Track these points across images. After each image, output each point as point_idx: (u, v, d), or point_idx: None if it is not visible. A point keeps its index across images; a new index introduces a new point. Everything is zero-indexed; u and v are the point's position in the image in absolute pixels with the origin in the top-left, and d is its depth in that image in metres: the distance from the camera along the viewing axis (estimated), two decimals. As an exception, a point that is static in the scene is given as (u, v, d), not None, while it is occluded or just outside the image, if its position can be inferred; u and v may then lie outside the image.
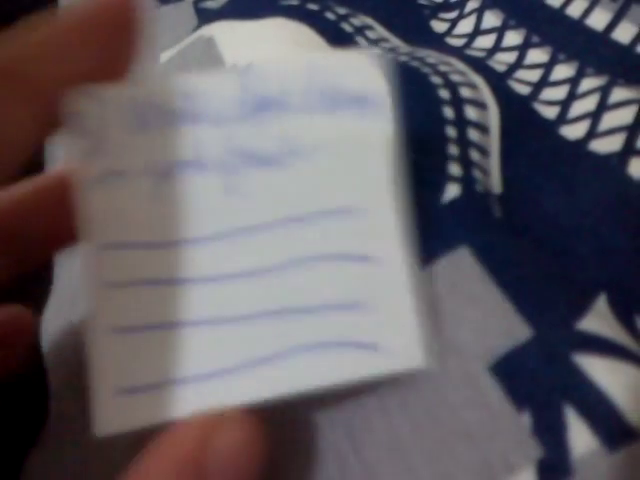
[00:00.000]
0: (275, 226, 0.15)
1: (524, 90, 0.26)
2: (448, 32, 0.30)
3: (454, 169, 0.21)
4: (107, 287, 0.15)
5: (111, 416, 0.14)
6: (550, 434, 0.16)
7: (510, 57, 0.28)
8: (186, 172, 0.15)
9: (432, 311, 0.18)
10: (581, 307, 0.17)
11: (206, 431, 0.14)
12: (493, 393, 0.17)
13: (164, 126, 0.15)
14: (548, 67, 0.26)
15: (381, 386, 0.18)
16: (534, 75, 0.26)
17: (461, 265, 0.18)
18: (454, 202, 0.20)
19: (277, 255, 0.15)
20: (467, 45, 0.29)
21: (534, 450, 0.16)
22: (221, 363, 0.15)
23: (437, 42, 0.30)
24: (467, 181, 0.20)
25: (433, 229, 0.19)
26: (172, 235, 0.15)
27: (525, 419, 0.16)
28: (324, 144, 0.15)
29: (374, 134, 0.15)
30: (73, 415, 0.20)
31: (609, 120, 0.23)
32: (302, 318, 0.15)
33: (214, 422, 0.14)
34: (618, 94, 0.23)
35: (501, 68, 0.27)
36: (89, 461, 0.19)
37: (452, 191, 0.20)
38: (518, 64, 0.27)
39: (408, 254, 0.15)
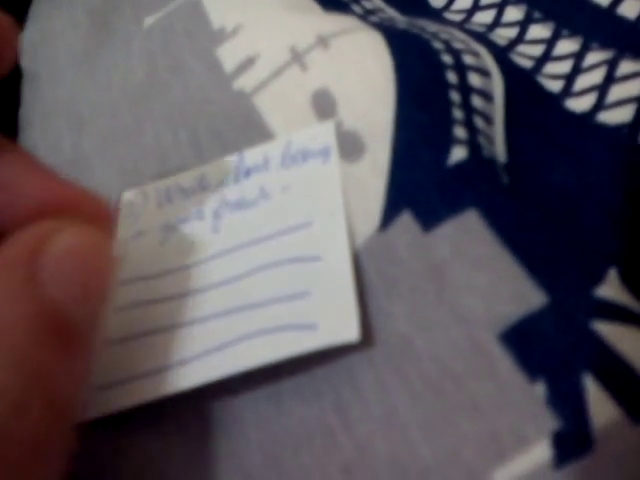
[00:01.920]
0: (246, 247, 0.20)
1: (526, 63, 0.25)
2: (446, 7, 0.29)
3: (459, 132, 0.19)
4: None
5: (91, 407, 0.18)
6: (567, 405, 0.14)
7: (511, 32, 0.27)
8: (189, 222, 0.21)
9: (436, 278, 0.17)
10: (596, 275, 0.16)
11: (41, 235, 0.14)
12: (503, 363, 0.16)
13: (182, 198, 0.22)
14: (551, 42, 0.25)
15: (375, 355, 0.17)
16: (536, 50, 0.25)
17: (468, 228, 0.17)
18: (460, 164, 0.18)
19: (243, 266, 0.19)
20: (466, 20, 0.28)
21: (549, 422, 0.15)
22: (181, 355, 0.18)
23: (435, 16, 0.29)
24: (473, 145, 0.19)
25: (438, 191, 0.18)
26: (168, 265, 0.20)
27: (538, 390, 0.15)
28: (290, 186, 0.20)
29: (328, 172, 0.20)
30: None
31: (617, 92, 0.22)
32: (251, 312, 0.18)
33: (50, 228, 0.14)
34: (626, 67, 0.23)
35: (502, 42, 0.26)
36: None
37: (458, 154, 0.19)
38: (519, 39, 0.26)
39: (350, 250, 0.18)
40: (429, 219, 0.18)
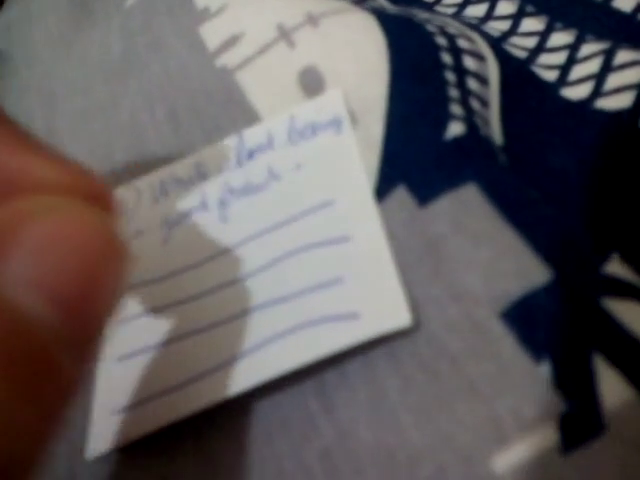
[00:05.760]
0: (261, 235, 0.17)
1: (520, 54, 0.24)
2: (437, 1, 0.28)
3: (456, 109, 0.19)
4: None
5: (104, 435, 0.16)
6: (575, 386, 0.13)
7: (503, 25, 0.26)
8: (192, 215, 0.19)
9: (433, 254, 0.16)
10: (601, 253, 0.15)
11: (12, 217, 0.10)
12: (504, 342, 0.14)
13: (179, 189, 0.20)
14: (544, 35, 0.25)
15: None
16: (530, 42, 0.25)
17: (467, 202, 0.16)
18: (458, 139, 0.17)
19: (263, 258, 0.17)
20: (457, 14, 0.28)
21: (555, 404, 0.13)
22: (206, 365, 0.16)
23: (426, 8, 0.28)
24: (470, 122, 0.18)
25: (435, 165, 0.17)
26: (175, 265, 0.18)
27: (543, 370, 0.14)
28: (303, 163, 0.18)
29: (343, 144, 0.18)
30: None
31: (615, 80, 0.21)
32: (281, 306, 0.16)
33: (27, 207, 0.10)
34: (623, 56, 0.22)
35: (495, 34, 0.25)
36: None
37: (456, 128, 0.18)
38: (512, 32, 0.26)
39: (383, 228, 0.16)
40: (425, 193, 0.17)
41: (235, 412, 0.16)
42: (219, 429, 0.16)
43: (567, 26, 0.25)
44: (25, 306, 0.09)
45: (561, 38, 0.24)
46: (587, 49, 0.23)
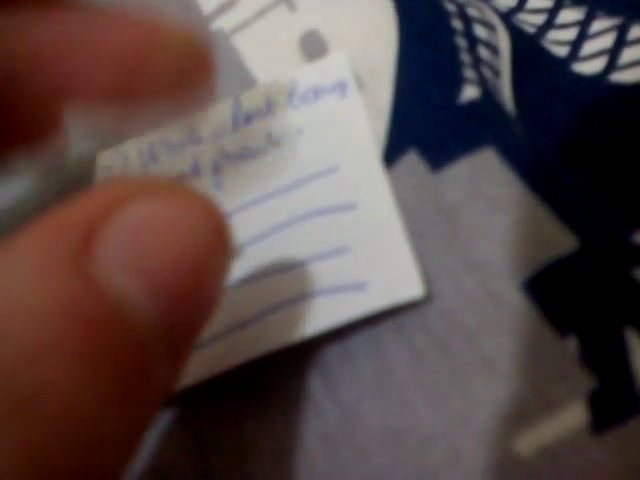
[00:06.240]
0: (259, 202, 0.16)
1: (530, 29, 0.23)
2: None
3: (469, 73, 0.17)
4: None
5: None
6: (606, 362, 0.12)
7: (510, 1, 0.25)
8: (184, 181, 0.18)
9: (448, 222, 0.15)
10: (630, 221, 0.14)
11: (112, 198, 0.09)
12: (526, 315, 0.13)
13: (171, 154, 0.18)
14: (552, 12, 0.24)
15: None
16: (538, 18, 0.24)
17: (486, 167, 0.15)
18: (474, 102, 0.16)
19: (261, 226, 0.16)
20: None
21: (584, 381, 0.12)
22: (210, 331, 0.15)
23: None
24: (484, 87, 0.17)
25: (449, 129, 0.16)
26: None
27: (571, 345, 0.13)
28: (304, 128, 0.17)
29: (349, 107, 0.17)
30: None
31: (630, 54, 0.20)
32: (283, 277, 0.15)
33: (127, 188, 0.09)
34: (637, 31, 0.21)
35: (503, 9, 0.24)
36: None
37: (470, 92, 0.17)
38: (519, 8, 0.25)
39: (392, 195, 0.15)
40: (439, 158, 0.15)
41: (233, 390, 0.15)
42: (217, 408, 0.15)
43: (576, 3, 0.24)
44: (121, 295, 0.08)
45: (570, 15, 0.23)
46: (598, 25, 0.22)
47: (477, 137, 0.15)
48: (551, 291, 0.13)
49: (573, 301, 0.13)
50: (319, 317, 0.14)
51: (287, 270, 0.15)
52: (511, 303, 0.13)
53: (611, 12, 0.22)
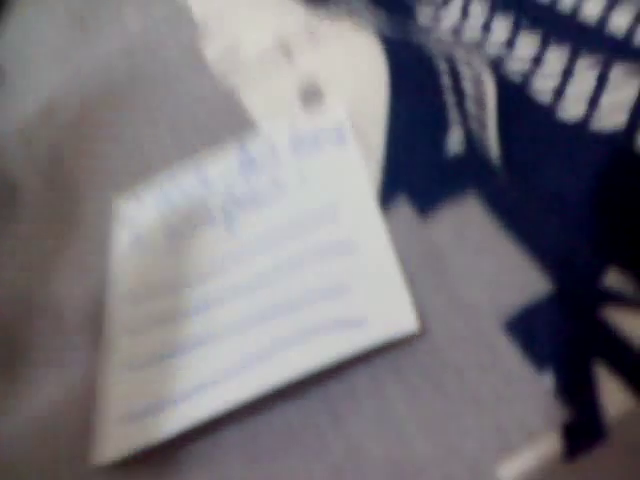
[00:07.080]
0: (268, 246, 0.18)
1: (517, 78, 0.24)
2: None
3: (456, 126, 0.19)
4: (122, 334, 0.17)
5: (112, 444, 0.16)
6: (578, 395, 0.14)
7: (498, 49, 0.27)
8: (197, 225, 0.19)
9: (435, 265, 0.16)
10: (599, 267, 0.16)
11: None
12: (507, 353, 0.15)
13: (183, 198, 0.20)
14: (537, 57, 0.25)
15: (370, 352, 0.16)
16: (525, 61, 0.25)
17: (469, 214, 0.17)
18: (459, 154, 0.18)
19: (271, 267, 0.17)
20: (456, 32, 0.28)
21: (558, 414, 0.14)
22: (216, 373, 0.16)
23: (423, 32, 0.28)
24: (469, 140, 0.19)
25: (437, 176, 0.17)
26: (182, 277, 0.18)
27: (546, 380, 0.14)
28: (308, 175, 0.19)
29: (346, 153, 0.19)
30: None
31: (609, 99, 0.22)
32: (290, 314, 0.16)
33: None
34: (617, 71, 0.22)
35: (492, 53, 0.26)
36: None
37: (456, 144, 0.18)
38: (507, 55, 0.26)
39: (388, 236, 0.17)
40: (427, 204, 0.17)
41: (245, 426, 0.16)
42: (229, 442, 0.16)
43: (561, 42, 0.25)
44: None
45: (556, 52, 0.25)
46: (581, 65, 0.24)
47: (462, 185, 0.17)
48: (529, 331, 0.15)
49: (549, 340, 0.14)
50: (324, 351, 0.15)
51: (292, 308, 0.16)
52: (494, 342, 0.15)
53: (594, 52, 0.24)
